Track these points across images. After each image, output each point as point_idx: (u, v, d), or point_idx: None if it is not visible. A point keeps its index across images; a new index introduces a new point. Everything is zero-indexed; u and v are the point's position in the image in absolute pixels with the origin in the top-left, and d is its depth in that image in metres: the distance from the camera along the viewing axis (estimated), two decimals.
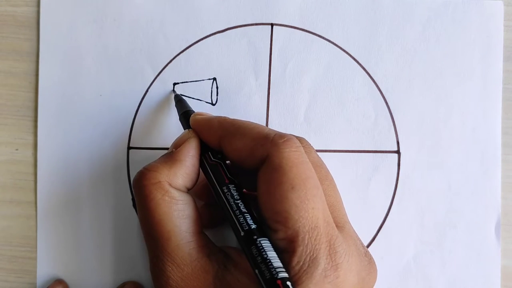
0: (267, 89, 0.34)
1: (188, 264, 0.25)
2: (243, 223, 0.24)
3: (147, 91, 0.34)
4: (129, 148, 0.34)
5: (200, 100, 0.33)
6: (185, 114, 0.30)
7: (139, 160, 0.33)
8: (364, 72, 0.34)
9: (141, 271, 0.33)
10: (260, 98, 0.34)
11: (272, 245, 0.23)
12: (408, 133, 0.34)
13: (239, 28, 0.34)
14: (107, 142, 0.34)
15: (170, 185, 0.26)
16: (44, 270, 0.34)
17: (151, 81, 0.34)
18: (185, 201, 0.26)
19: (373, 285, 0.26)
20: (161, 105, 0.34)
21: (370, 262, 0.26)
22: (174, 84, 0.34)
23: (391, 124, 0.34)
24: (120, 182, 0.34)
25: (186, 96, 0.33)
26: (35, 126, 0.34)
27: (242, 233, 0.24)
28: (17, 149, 0.34)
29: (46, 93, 0.34)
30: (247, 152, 0.25)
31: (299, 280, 0.23)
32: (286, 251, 0.23)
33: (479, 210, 0.33)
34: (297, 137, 0.26)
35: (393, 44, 0.34)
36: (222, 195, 0.26)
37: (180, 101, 0.32)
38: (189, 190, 0.27)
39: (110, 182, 0.34)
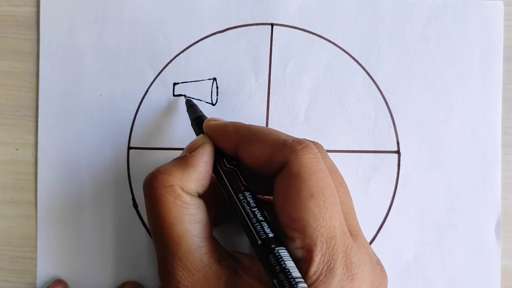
0: (267, 89, 0.34)
1: (199, 269, 0.25)
2: (260, 232, 0.24)
3: (147, 91, 0.34)
4: (129, 148, 0.34)
5: (200, 100, 0.33)
6: (197, 119, 0.30)
7: (139, 160, 0.33)
8: (364, 72, 0.34)
9: (141, 271, 0.33)
10: (260, 98, 0.34)
11: (289, 254, 0.23)
12: (408, 133, 0.34)
13: (239, 28, 0.34)
14: (107, 142, 0.34)
15: (182, 189, 0.26)
16: (44, 270, 0.34)
17: (151, 81, 0.34)
18: (196, 206, 0.26)
19: None
20: (161, 105, 0.34)
21: (381, 271, 0.26)
22: (174, 84, 0.34)
23: (391, 124, 0.34)
24: (120, 182, 0.34)
25: (186, 96, 0.33)
26: (35, 126, 0.34)
27: (260, 242, 0.23)
28: (17, 149, 0.34)
29: (46, 93, 0.34)
30: (265, 158, 0.25)
31: None
32: (303, 260, 0.23)
33: (479, 210, 0.33)
34: (312, 142, 0.26)
35: (393, 44, 0.34)
36: (238, 202, 0.25)
37: (191, 106, 0.31)
38: (199, 196, 0.27)
39: (110, 182, 0.34)
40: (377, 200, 0.33)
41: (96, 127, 0.34)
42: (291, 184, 0.24)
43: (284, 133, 0.26)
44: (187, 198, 0.25)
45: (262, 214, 0.25)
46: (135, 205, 0.34)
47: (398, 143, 0.34)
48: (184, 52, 0.34)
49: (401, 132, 0.34)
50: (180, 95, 0.33)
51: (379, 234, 0.33)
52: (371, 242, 0.33)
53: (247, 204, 0.25)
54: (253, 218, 0.24)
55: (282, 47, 0.34)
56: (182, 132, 0.33)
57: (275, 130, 0.26)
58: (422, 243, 0.33)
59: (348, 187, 0.28)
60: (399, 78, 0.34)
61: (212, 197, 0.30)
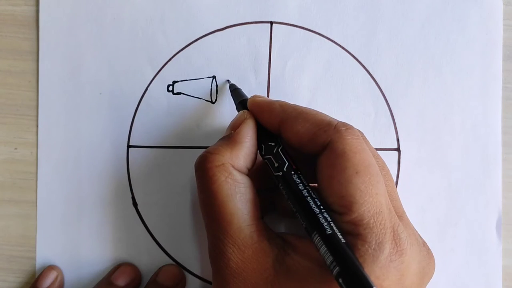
0: (266, 87, 0.34)
1: (249, 246, 0.25)
2: (324, 224, 0.24)
3: (146, 89, 0.34)
4: (128, 146, 0.34)
5: (200, 98, 0.33)
6: (243, 102, 0.30)
7: (139, 158, 0.33)
8: (364, 70, 0.34)
9: (141, 270, 0.33)
10: None
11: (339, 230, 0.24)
12: (408, 131, 0.34)
13: (238, 26, 0.34)
14: (107, 141, 0.34)
15: (233, 167, 0.26)
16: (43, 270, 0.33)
17: (151, 79, 0.34)
18: (246, 185, 0.26)
19: (431, 276, 0.26)
20: (161, 104, 0.34)
21: (428, 253, 0.26)
22: (174, 82, 0.34)
23: (391, 122, 0.34)
24: (120, 180, 0.33)
25: (186, 94, 0.33)
26: (35, 125, 0.34)
27: (329, 232, 0.23)
28: (16, 148, 0.34)
29: (46, 92, 0.34)
30: (309, 137, 0.26)
31: (364, 263, 0.23)
32: (351, 234, 0.24)
33: (480, 209, 0.33)
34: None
35: (392, 42, 0.34)
36: (294, 182, 0.25)
37: (236, 90, 0.32)
38: (249, 171, 0.28)
39: (110, 180, 0.33)
40: None
41: (96, 126, 0.34)
42: (336, 163, 0.24)
43: (329, 116, 0.27)
44: (238, 176, 0.26)
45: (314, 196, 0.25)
46: (135, 204, 0.33)
47: (398, 140, 0.34)
48: (184, 51, 0.34)
49: (401, 129, 0.34)
50: (180, 93, 0.33)
51: None
52: None
53: (302, 185, 0.25)
54: (314, 206, 0.24)
55: (281, 45, 0.34)
56: (182, 130, 0.33)
57: (320, 111, 0.27)
58: None
59: None
60: (399, 76, 0.34)
61: (258, 184, 0.30)
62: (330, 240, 0.23)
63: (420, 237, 0.27)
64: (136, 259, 0.33)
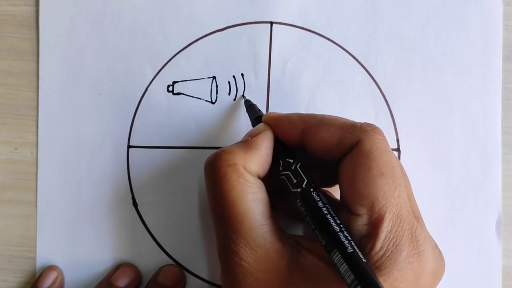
0: (266, 87, 0.34)
1: (261, 246, 0.25)
2: (345, 242, 0.24)
3: (146, 89, 0.34)
4: (129, 146, 0.34)
5: (200, 99, 0.33)
6: (258, 118, 0.30)
7: (139, 158, 0.33)
8: (364, 70, 0.34)
9: (141, 270, 0.33)
10: (259, 97, 0.34)
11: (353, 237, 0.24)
12: (408, 131, 0.34)
13: (238, 27, 0.34)
14: (107, 141, 0.34)
15: (245, 168, 0.26)
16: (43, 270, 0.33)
17: (151, 80, 0.34)
18: (258, 185, 0.26)
19: (441, 277, 0.27)
20: (161, 104, 0.34)
21: (440, 254, 0.27)
22: (174, 82, 0.34)
23: (391, 122, 0.34)
24: (120, 180, 0.33)
25: (186, 95, 0.33)
26: (35, 126, 0.34)
27: (351, 250, 0.23)
28: (16, 149, 0.34)
29: (46, 92, 0.34)
30: (335, 141, 0.26)
31: (382, 266, 0.23)
32: (368, 236, 0.24)
33: (480, 209, 0.33)
34: None
35: (392, 42, 0.34)
36: (313, 200, 0.25)
37: (251, 106, 0.32)
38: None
39: (110, 180, 0.33)
40: None
41: (96, 126, 0.34)
42: (361, 162, 0.24)
43: (349, 119, 0.27)
44: (249, 177, 0.26)
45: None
46: (135, 204, 0.33)
47: (398, 140, 0.34)
48: (184, 51, 0.34)
49: (400, 130, 0.34)
50: (180, 93, 0.33)
51: None
52: None
53: (322, 202, 0.25)
54: (334, 224, 0.24)
55: (281, 45, 0.34)
56: (182, 130, 0.33)
57: (338, 116, 0.27)
58: None
59: None
60: (399, 76, 0.34)
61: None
62: (351, 259, 0.23)
63: (433, 239, 0.27)
64: (136, 259, 0.33)
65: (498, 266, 0.33)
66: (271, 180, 0.28)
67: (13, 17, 0.34)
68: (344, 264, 0.23)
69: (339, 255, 0.23)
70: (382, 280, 0.23)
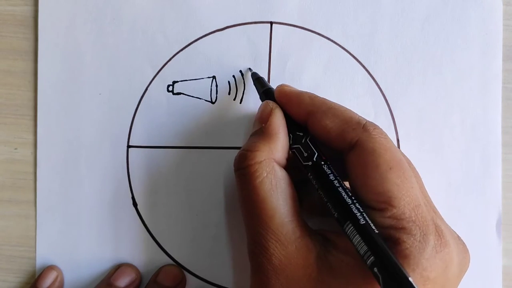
0: None
1: (292, 242, 0.25)
2: (357, 214, 0.24)
3: (146, 89, 0.34)
4: (128, 146, 0.34)
5: (200, 98, 0.33)
6: (266, 92, 0.30)
7: (139, 158, 0.33)
8: (364, 70, 0.34)
9: (141, 270, 0.33)
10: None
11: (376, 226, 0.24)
12: (408, 130, 0.34)
13: (238, 27, 0.34)
14: (107, 141, 0.34)
15: (275, 161, 0.26)
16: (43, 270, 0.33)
17: (150, 79, 0.34)
18: (286, 181, 0.26)
19: (467, 270, 0.27)
20: (160, 104, 0.34)
21: (464, 246, 0.27)
22: (174, 82, 0.34)
23: (391, 121, 0.34)
24: (120, 180, 0.33)
25: (186, 94, 0.33)
26: (34, 125, 0.34)
27: (363, 222, 0.24)
28: (16, 148, 0.34)
29: (45, 92, 0.34)
30: (337, 132, 0.26)
31: (410, 255, 0.23)
32: (394, 228, 0.24)
33: (480, 209, 0.33)
34: None
35: (392, 41, 0.34)
36: (324, 173, 0.25)
37: (258, 79, 0.32)
38: (287, 162, 0.27)
39: (110, 180, 0.33)
40: None
41: (96, 126, 0.34)
42: (368, 161, 0.24)
43: (357, 114, 0.27)
44: (278, 172, 0.26)
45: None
46: (135, 204, 0.33)
47: (398, 140, 0.34)
48: (184, 51, 0.34)
49: (400, 129, 0.34)
50: (180, 93, 0.33)
51: None
52: None
53: (333, 175, 0.25)
54: (347, 198, 0.24)
55: (281, 45, 0.34)
56: (182, 130, 0.33)
57: (348, 108, 0.27)
58: None
59: None
60: (399, 76, 0.34)
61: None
62: (363, 230, 0.23)
63: (454, 231, 0.27)
64: (136, 259, 0.33)
65: (498, 266, 0.33)
66: (294, 173, 0.28)
67: (13, 17, 0.34)
68: (357, 235, 0.23)
69: (352, 227, 0.23)
70: (411, 270, 0.23)
